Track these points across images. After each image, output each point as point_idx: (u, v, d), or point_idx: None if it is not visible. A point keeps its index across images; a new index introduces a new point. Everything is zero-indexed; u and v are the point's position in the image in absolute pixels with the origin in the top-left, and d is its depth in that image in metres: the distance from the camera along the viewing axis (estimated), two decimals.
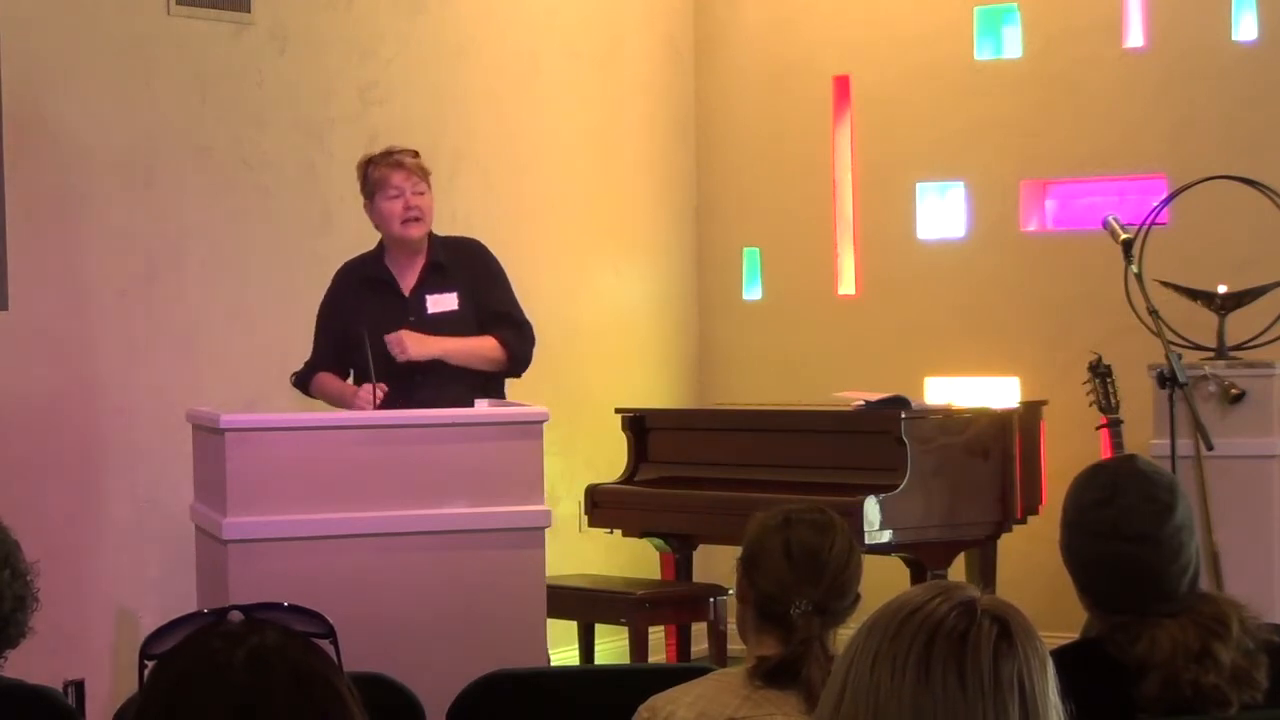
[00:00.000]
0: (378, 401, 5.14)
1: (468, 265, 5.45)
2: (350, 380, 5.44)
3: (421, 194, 5.36)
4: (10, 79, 5.73)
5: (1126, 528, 2.79)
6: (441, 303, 5.37)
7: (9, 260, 5.73)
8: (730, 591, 6.23)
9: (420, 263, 5.43)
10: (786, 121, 7.85)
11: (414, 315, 5.35)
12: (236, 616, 1.68)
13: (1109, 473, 2.91)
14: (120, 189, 6.03)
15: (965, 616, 1.71)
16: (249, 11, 6.34)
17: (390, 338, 5.27)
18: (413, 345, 5.27)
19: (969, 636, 1.70)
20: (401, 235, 5.36)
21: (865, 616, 1.80)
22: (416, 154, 5.42)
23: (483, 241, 5.60)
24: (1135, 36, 7.12)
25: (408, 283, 5.41)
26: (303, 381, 5.53)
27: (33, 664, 3.08)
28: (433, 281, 5.40)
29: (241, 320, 6.33)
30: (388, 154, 5.40)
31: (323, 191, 6.58)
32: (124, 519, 5.99)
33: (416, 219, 5.34)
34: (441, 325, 5.34)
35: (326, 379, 5.46)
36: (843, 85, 7.75)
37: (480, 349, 5.37)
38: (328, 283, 6.51)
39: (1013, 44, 7.41)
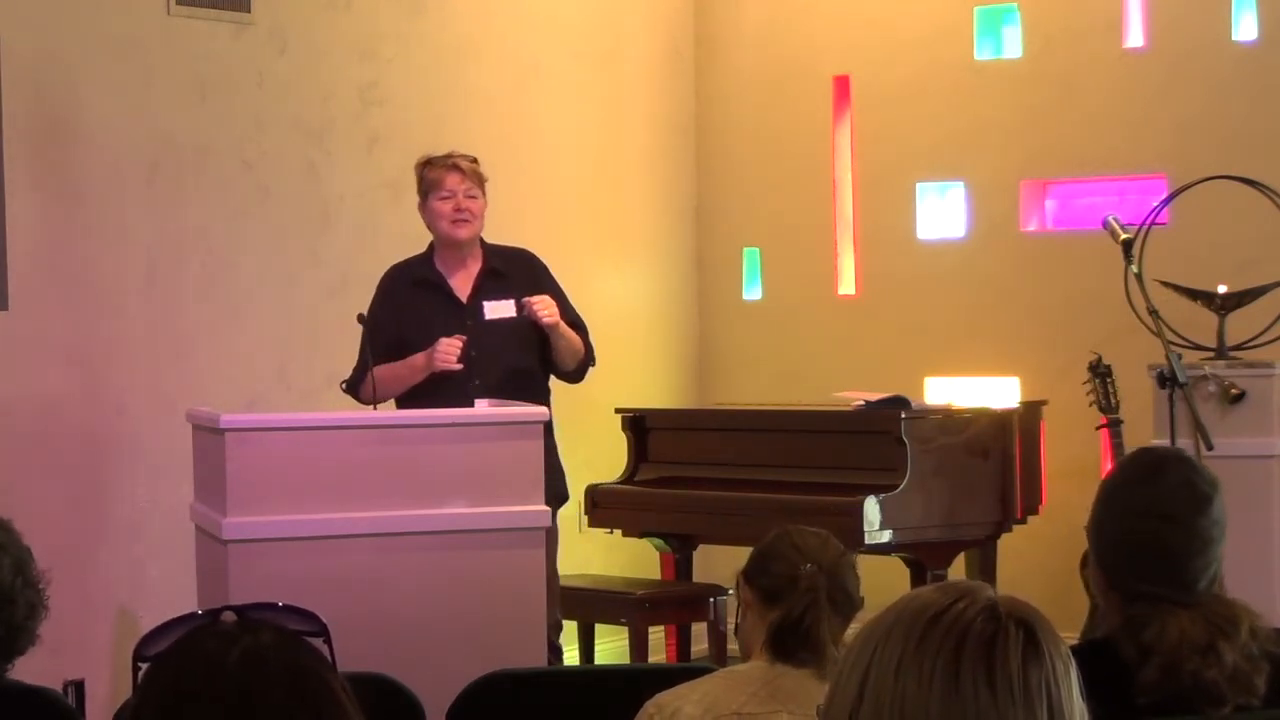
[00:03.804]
0: (460, 353, 5.17)
1: (525, 274, 5.50)
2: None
3: (474, 198, 5.42)
4: (10, 79, 5.73)
5: (1162, 506, 2.81)
6: (499, 310, 5.40)
7: (9, 260, 5.73)
8: (730, 591, 6.25)
9: (475, 268, 5.46)
10: (786, 121, 7.85)
11: (471, 320, 5.36)
12: (230, 617, 1.68)
13: (1156, 454, 2.95)
14: (120, 189, 6.03)
15: (992, 621, 1.69)
16: (249, 11, 6.34)
17: (537, 299, 5.32)
18: (554, 309, 5.34)
19: (997, 642, 1.68)
20: (449, 234, 5.40)
21: (869, 618, 1.78)
22: (475, 160, 5.48)
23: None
24: (1135, 36, 7.12)
25: (462, 288, 5.44)
26: (355, 384, 5.39)
27: (33, 664, 3.07)
28: (490, 288, 5.43)
29: (241, 320, 6.33)
30: (446, 156, 5.46)
31: (323, 191, 6.59)
32: (124, 519, 5.99)
33: (466, 220, 5.38)
34: (498, 332, 5.36)
35: (382, 368, 5.31)
36: (843, 85, 7.75)
37: (576, 341, 5.46)
38: (327, 282, 6.54)
39: (1013, 44, 7.41)
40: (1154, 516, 2.81)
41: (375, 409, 5.33)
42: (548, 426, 5.46)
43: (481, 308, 5.40)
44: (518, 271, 5.49)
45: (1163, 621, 2.74)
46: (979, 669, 1.67)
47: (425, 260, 5.51)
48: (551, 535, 5.47)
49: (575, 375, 5.55)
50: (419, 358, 5.29)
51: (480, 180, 5.45)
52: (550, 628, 5.30)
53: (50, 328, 5.85)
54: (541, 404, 5.38)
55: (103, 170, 6.00)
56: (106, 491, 5.97)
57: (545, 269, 5.57)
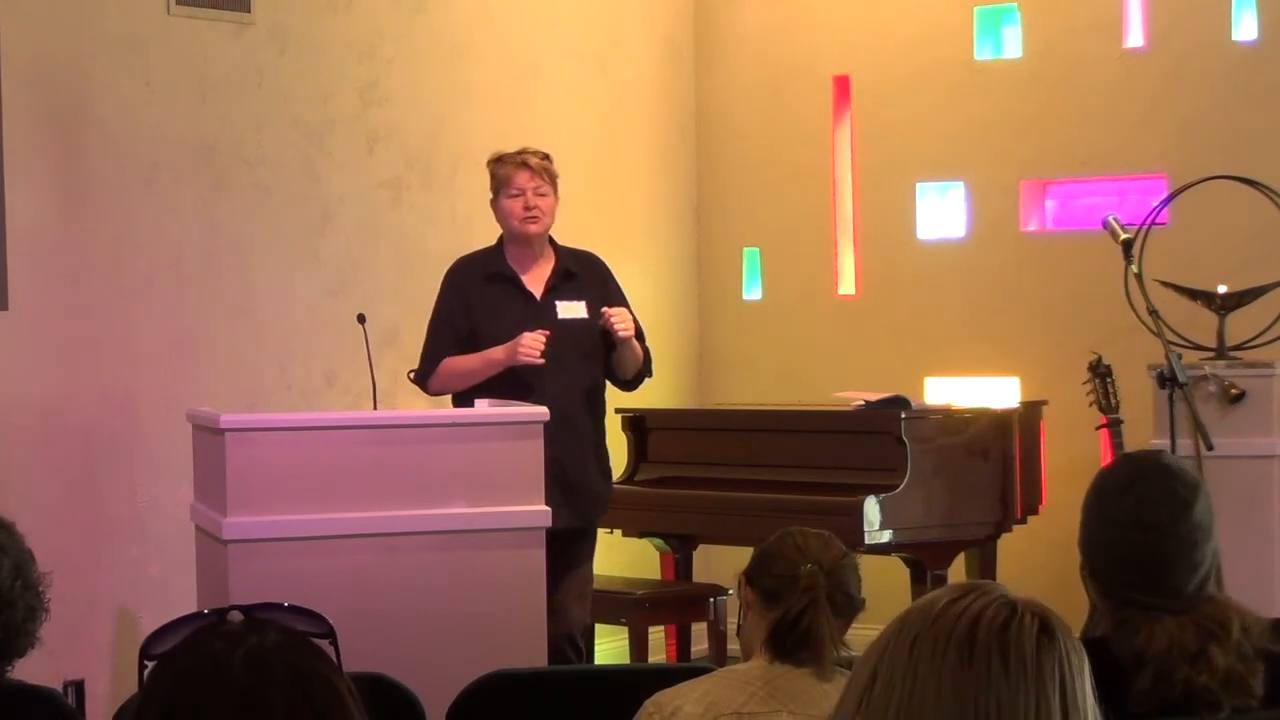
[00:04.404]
0: (544, 348, 5.20)
1: (598, 278, 5.53)
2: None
3: (544, 195, 5.41)
4: (11, 78, 5.73)
5: (1141, 516, 2.80)
6: (571, 310, 5.41)
7: (9, 260, 5.73)
8: (730, 591, 6.26)
9: (546, 267, 5.47)
10: (786, 121, 7.85)
11: (544, 318, 5.37)
12: (237, 617, 1.68)
13: (1134, 462, 2.93)
14: (120, 189, 6.03)
15: (1006, 609, 1.73)
16: (249, 11, 6.34)
17: (615, 312, 5.35)
18: (630, 325, 5.38)
19: (1011, 626, 1.72)
20: (520, 231, 5.40)
21: (868, 619, 1.81)
22: (546, 156, 5.46)
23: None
24: (1135, 36, 7.12)
25: (535, 285, 5.44)
26: (424, 375, 5.42)
27: (33, 664, 3.07)
28: (563, 288, 5.45)
29: (241, 320, 6.33)
30: (518, 153, 5.45)
31: (322, 191, 6.58)
32: (124, 519, 5.99)
33: (535, 218, 5.38)
34: (570, 337, 5.36)
35: (455, 360, 5.36)
36: (843, 85, 7.75)
37: (638, 351, 5.48)
38: (326, 282, 6.54)
39: (1013, 44, 7.41)
40: (1133, 526, 2.80)
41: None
42: (603, 439, 5.48)
43: (554, 306, 5.41)
44: (589, 274, 5.51)
45: (1150, 629, 2.73)
46: (993, 646, 1.71)
47: (496, 254, 5.50)
48: (593, 538, 5.49)
49: (632, 384, 5.59)
50: (498, 351, 5.28)
51: (551, 177, 5.43)
52: (577, 625, 5.32)
53: (50, 328, 5.85)
54: (601, 415, 5.49)
55: (103, 170, 5.99)
56: (106, 491, 5.97)
57: (613, 275, 5.59)
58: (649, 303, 7.82)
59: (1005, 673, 1.69)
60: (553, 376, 5.27)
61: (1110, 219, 5.93)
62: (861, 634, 2.93)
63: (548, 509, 4.82)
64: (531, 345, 5.22)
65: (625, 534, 6.78)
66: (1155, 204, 6.35)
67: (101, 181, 5.99)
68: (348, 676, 1.65)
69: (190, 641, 1.65)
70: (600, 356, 5.45)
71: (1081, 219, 7.31)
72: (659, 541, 6.74)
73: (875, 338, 7.58)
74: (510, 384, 5.25)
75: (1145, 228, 6.05)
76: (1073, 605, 3.31)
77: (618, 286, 5.58)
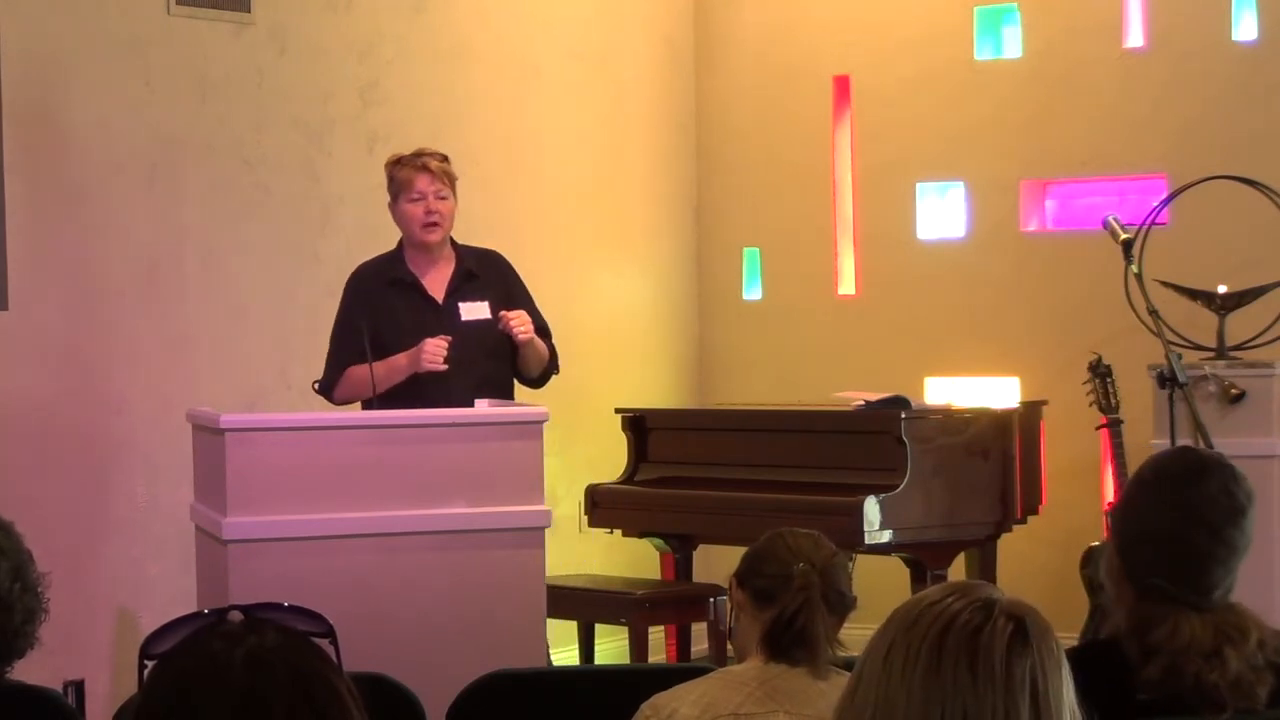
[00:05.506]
0: (446, 353, 5.17)
1: (499, 277, 5.50)
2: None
3: (444, 199, 5.37)
4: (11, 78, 5.73)
5: (1200, 510, 2.83)
6: (474, 310, 5.38)
7: (9, 260, 5.73)
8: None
9: (447, 269, 5.44)
10: (786, 121, 7.85)
11: (447, 321, 5.34)
12: (236, 616, 1.68)
13: (1202, 457, 2.96)
14: (120, 189, 6.03)
15: (981, 613, 1.74)
16: (249, 11, 6.34)
17: (513, 315, 5.31)
18: (530, 326, 5.35)
19: (983, 632, 1.72)
20: (421, 239, 5.37)
21: (867, 619, 1.82)
22: (445, 158, 5.42)
23: (494, 248, 5.62)
24: (1135, 36, 7.12)
25: (436, 288, 5.42)
26: (328, 385, 5.38)
27: (32, 664, 3.07)
28: (465, 290, 5.42)
29: (241, 320, 6.33)
30: (416, 155, 5.40)
31: (323, 191, 6.59)
32: (124, 519, 5.99)
33: (436, 224, 5.36)
34: (474, 337, 5.34)
35: (359, 368, 5.27)
36: (843, 85, 7.75)
37: (544, 350, 5.45)
38: (327, 282, 6.53)
39: (1013, 44, 7.41)
40: (1190, 519, 2.82)
41: (340, 408, 5.33)
42: None
43: (457, 309, 5.38)
44: (490, 273, 5.48)
45: (1174, 622, 2.75)
46: (961, 655, 1.72)
47: (396, 259, 5.46)
48: None
49: (539, 382, 5.52)
50: (401, 358, 5.24)
51: (450, 180, 5.39)
52: None
53: (50, 328, 5.85)
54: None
55: (103, 170, 6.00)
56: (106, 491, 5.97)
57: (515, 272, 5.55)
58: (649, 303, 7.83)
59: (972, 681, 1.70)
60: (458, 379, 5.23)
61: (1110, 219, 5.93)
62: (855, 633, 2.93)
63: (548, 509, 4.82)
64: (434, 352, 5.19)
65: (625, 534, 6.78)
66: (1155, 204, 6.35)
67: (101, 181, 5.99)
68: (348, 676, 1.65)
69: (190, 641, 1.65)
70: (507, 355, 5.40)
71: (1081, 219, 7.31)
72: (659, 541, 6.74)
73: (875, 338, 7.58)
74: (417, 387, 5.22)
75: (1145, 228, 6.05)
76: (1072, 605, 3.32)
77: (520, 283, 5.54)
